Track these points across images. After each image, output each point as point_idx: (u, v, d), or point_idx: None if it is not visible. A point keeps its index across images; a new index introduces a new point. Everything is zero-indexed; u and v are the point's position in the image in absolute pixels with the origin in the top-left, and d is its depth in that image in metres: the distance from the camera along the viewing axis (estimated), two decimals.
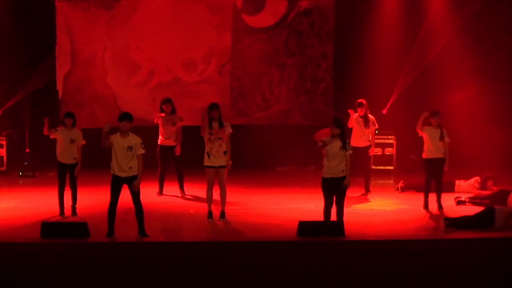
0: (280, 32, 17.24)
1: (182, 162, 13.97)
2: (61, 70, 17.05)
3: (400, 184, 14.50)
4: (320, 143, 10.78)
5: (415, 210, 12.73)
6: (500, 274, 9.88)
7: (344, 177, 10.83)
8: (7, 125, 16.93)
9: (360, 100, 14.04)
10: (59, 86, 17.05)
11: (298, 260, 9.83)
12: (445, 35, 16.92)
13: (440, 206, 12.72)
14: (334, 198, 10.84)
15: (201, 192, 12.78)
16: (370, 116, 14.08)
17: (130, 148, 10.56)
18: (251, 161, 16.61)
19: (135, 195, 10.66)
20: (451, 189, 14.08)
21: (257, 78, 17.34)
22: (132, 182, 10.60)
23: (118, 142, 10.57)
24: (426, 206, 12.78)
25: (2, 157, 16.64)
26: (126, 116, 10.70)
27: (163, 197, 13.87)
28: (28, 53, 16.85)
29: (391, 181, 15.87)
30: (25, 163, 16.42)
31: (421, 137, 12.83)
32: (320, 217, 10.93)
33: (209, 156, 11.73)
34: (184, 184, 14.03)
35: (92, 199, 13.22)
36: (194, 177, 14.24)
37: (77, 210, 12.26)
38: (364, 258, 9.87)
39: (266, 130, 17.09)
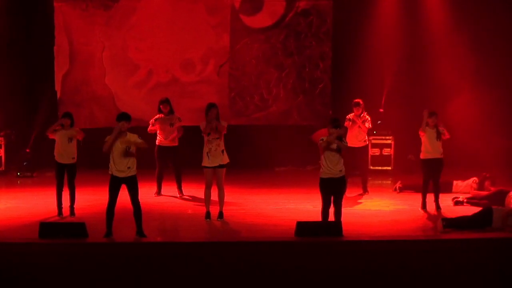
0: (278, 33, 17.25)
1: (180, 163, 13.97)
2: (60, 70, 17.05)
3: (398, 185, 14.52)
4: (321, 141, 10.78)
5: (413, 211, 12.74)
6: (498, 275, 9.90)
7: (342, 178, 10.85)
8: (5, 125, 16.91)
9: (356, 100, 14.07)
10: (58, 87, 17.06)
11: (296, 260, 9.84)
12: (444, 35, 16.93)
13: (438, 207, 12.73)
14: (332, 198, 10.85)
15: (199, 192, 12.79)
16: (366, 116, 14.10)
17: (128, 147, 10.58)
18: (249, 161, 16.62)
19: (134, 195, 10.67)
20: (449, 189, 14.10)
21: (255, 78, 17.35)
22: (131, 182, 10.61)
23: (116, 142, 10.58)
24: (424, 206, 12.79)
25: (0, 157, 16.64)
26: (124, 116, 10.72)
27: (161, 198, 13.87)
28: (26, 53, 16.85)
29: (389, 182, 15.87)
30: (24, 163, 16.40)
31: (419, 138, 12.85)
32: (318, 217, 10.93)
33: (208, 157, 11.75)
34: (182, 185, 14.04)
35: (90, 199, 13.22)
36: (192, 178, 14.25)
37: (75, 210, 12.26)
38: (362, 258, 9.87)
39: (264, 130, 17.09)
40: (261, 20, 17.21)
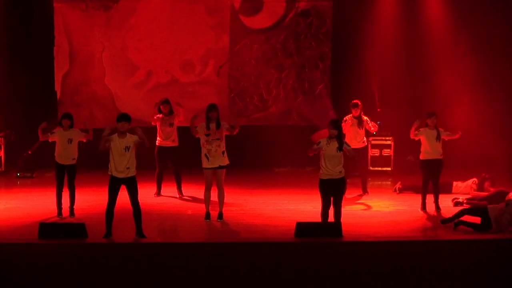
0: (278, 33, 17.25)
1: (180, 163, 13.98)
2: (60, 71, 17.05)
3: (398, 186, 14.52)
4: (315, 146, 10.81)
5: (412, 211, 12.75)
6: (498, 275, 9.91)
7: (342, 179, 10.85)
8: (5, 125, 16.90)
9: (355, 101, 14.08)
10: (58, 87, 17.05)
11: (296, 261, 9.84)
12: (444, 36, 16.93)
13: (437, 208, 12.73)
14: (332, 199, 10.85)
15: (199, 193, 12.79)
16: (364, 117, 14.11)
17: (127, 148, 10.59)
18: (249, 162, 16.62)
19: (133, 196, 10.68)
20: (448, 190, 14.10)
21: (255, 79, 17.34)
22: (130, 183, 10.61)
23: (116, 143, 10.59)
24: (423, 207, 12.80)
25: (0, 158, 16.63)
26: (124, 117, 10.73)
27: (160, 198, 13.87)
28: (26, 54, 16.85)
29: (389, 182, 15.88)
30: (24, 154, 16.35)
31: (418, 139, 12.86)
32: (318, 218, 10.94)
33: (207, 158, 11.74)
34: (182, 185, 14.04)
35: (90, 200, 13.23)
36: (191, 178, 14.25)
37: (75, 211, 12.26)
38: (362, 259, 9.88)
39: (264, 131, 17.09)
40: (261, 20, 17.21)
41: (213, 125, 11.78)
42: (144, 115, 15.38)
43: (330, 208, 10.88)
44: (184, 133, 14.09)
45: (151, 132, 14.01)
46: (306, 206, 12.85)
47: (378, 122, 14.59)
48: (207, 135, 11.72)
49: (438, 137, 12.69)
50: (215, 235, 11.33)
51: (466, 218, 11.50)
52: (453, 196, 13.64)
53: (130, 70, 17.15)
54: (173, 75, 17.19)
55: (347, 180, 11.55)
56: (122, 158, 10.57)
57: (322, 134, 11.67)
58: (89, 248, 10.01)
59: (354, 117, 13.99)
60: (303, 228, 10.31)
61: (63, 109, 16.08)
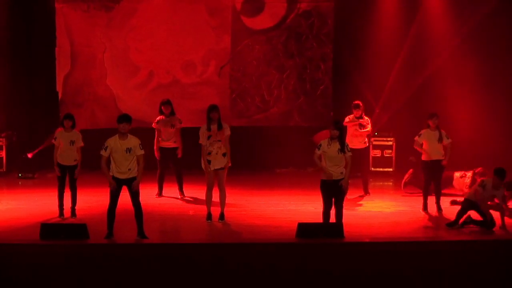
0: (280, 34, 17.24)
1: (181, 164, 13.98)
2: (61, 71, 17.05)
3: (405, 178, 14.45)
4: (317, 150, 10.83)
5: (414, 212, 12.75)
6: (499, 276, 9.91)
7: (343, 179, 10.85)
8: (6, 126, 16.91)
9: (356, 102, 14.10)
10: (59, 88, 17.05)
11: (297, 261, 9.85)
12: (445, 37, 16.92)
13: (439, 208, 12.73)
14: (333, 200, 10.85)
15: (200, 193, 12.79)
16: (365, 117, 14.12)
17: (128, 150, 10.57)
18: (250, 162, 16.61)
19: (135, 196, 10.67)
20: (449, 183, 14.02)
21: (256, 79, 17.34)
22: (132, 184, 10.61)
23: (117, 144, 10.58)
24: (425, 208, 12.80)
25: (2, 158, 16.63)
26: (125, 118, 10.71)
27: (162, 199, 13.87)
28: (28, 54, 16.86)
29: (390, 183, 15.87)
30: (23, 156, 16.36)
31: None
32: (319, 219, 10.94)
33: (208, 160, 11.72)
34: (183, 186, 14.04)
35: (91, 201, 13.23)
36: (193, 179, 14.24)
37: (77, 212, 12.27)
38: (363, 259, 9.88)
39: (265, 131, 17.10)
40: (262, 21, 17.20)
41: (214, 127, 11.77)
42: (145, 115, 15.38)
43: (332, 208, 10.88)
44: (186, 134, 14.10)
45: (152, 133, 14.04)
46: (307, 207, 12.86)
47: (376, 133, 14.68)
48: (209, 136, 11.72)
49: (439, 138, 12.69)
50: (216, 236, 11.33)
51: (473, 215, 11.53)
52: (453, 191, 13.64)
53: (132, 71, 17.14)
54: (174, 76, 17.19)
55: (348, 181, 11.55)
56: (123, 159, 10.56)
57: (324, 135, 11.69)
58: (90, 248, 10.01)
59: (356, 117, 13.99)
60: (304, 228, 10.31)
61: (65, 109, 16.09)
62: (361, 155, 14.00)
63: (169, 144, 13.81)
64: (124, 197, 10.78)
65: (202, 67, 17.21)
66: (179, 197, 13.95)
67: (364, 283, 9.81)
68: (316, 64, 17.33)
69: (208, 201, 11.96)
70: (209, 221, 11.90)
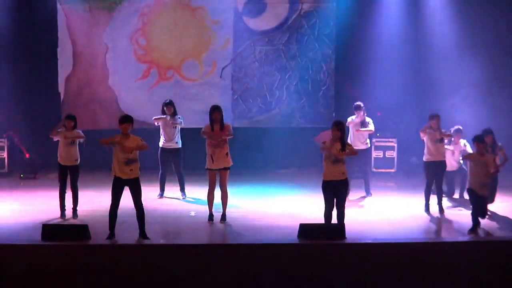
0: (282, 35, 17.23)
1: (183, 165, 13.97)
2: (63, 72, 17.05)
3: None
4: (323, 144, 10.81)
5: (416, 213, 12.73)
6: (499, 277, 9.90)
7: (345, 180, 10.85)
8: (8, 126, 16.90)
9: (357, 103, 14.11)
10: (61, 88, 17.04)
11: (299, 262, 9.84)
12: (447, 38, 16.91)
13: (441, 209, 12.72)
14: (335, 200, 10.84)
15: (202, 194, 12.78)
16: (367, 118, 14.12)
17: (130, 150, 10.58)
18: (252, 163, 16.59)
19: (136, 197, 10.68)
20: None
21: (258, 80, 17.33)
22: (134, 184, 10.61)
23: (118, 145, 10.59)
24: (427, 209, 12.78)
25: (4, 159, 16.63)
26: (127, 119, 10.74)
27: (164, 200, 13.87)
28: (30, 55, 16.86)
29: (392, 184, 15.85)
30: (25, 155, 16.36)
31: (422, 140, 12.87)
32: (321, 220, 10.93)
33: (213, 159, 11.75)
34: (185, 187, 14.04)
35: (93, 201, 13.22)
36: (195, 180, 14.24)
37: (78, 212, 12.27)
38: (365, 260, 9.88)
39: (267, 132, 17.08)
40: (264, 22, 17.19)
41: (217, 127, 11.78)
42: (147, 116, 15.36)
43: (334, 209, 10.87)
44: (187, 135, 14.10)
45: (154, 133, 14.05)
46: (309, 208, 12.84)
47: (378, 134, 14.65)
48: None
49: (441, 139, 12.71)
50: (218, 237, 11.33)
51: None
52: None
53: (134, 72, 17.14)
54: (176, 77, 17.18)
55: (350, 182, 11.55)
56: (125, 159, 10.56)
57: (325, 135, 11.68)
58: (92, 249, 10.01)
59: (357, 118, 14.00)
60: (306, 229, 10.30)
61: (67, 110, 16.08)
62: (363, 156, 14.00)
63: (171, 145, 13.80)
64: (126, 198, 10.78)
65: (204, 68, 17.21)
66: (181, 198, 13.95)
67: (366, 283, 9.80)
68: (318, 65, 17.31)
69: (210, 202, 11.96)
70: (211, 221, 11.90)
